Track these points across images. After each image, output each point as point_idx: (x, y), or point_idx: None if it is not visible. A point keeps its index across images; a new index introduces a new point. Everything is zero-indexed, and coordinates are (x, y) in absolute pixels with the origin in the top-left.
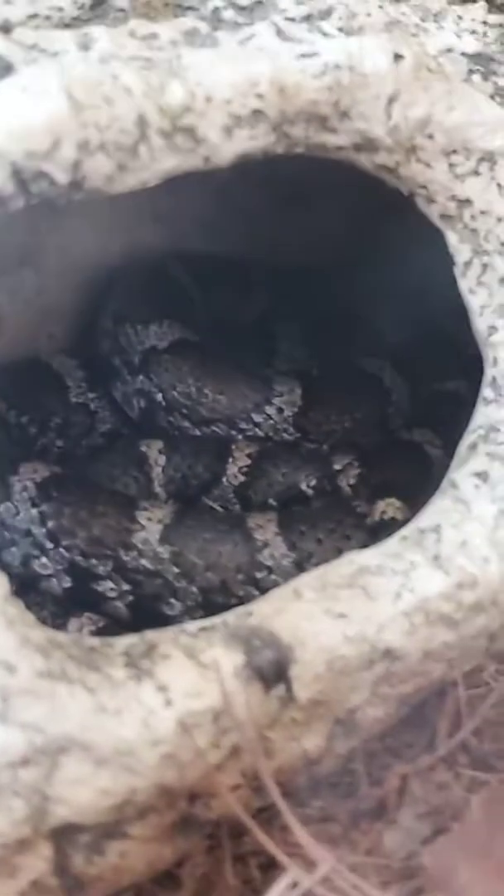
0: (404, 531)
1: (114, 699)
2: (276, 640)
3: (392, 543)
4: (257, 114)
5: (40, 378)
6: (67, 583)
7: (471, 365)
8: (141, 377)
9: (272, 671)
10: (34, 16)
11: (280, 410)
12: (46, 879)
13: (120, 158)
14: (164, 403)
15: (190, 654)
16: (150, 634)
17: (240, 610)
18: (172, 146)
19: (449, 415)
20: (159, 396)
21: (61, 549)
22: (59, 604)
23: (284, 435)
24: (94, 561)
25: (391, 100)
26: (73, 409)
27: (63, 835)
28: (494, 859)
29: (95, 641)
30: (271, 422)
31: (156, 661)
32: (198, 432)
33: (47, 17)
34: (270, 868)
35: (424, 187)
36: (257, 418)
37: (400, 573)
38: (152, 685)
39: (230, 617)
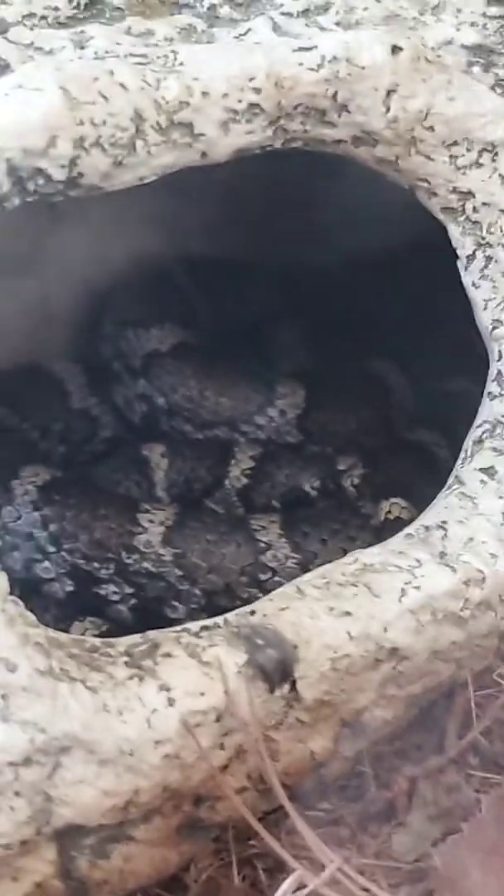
0: (409, 528)
1: (116, 698)
2: (280, 638)
3: (397, 541)
4: (254, 108)
5: (42, 383)
6: (70, 586)
7: (476, 363)
8: (142, 381)
9: (276, 670)
10: (30, 15)
11: (283, 412)
12: (51, 883)
13: (116, 154)
14: (165, 407)
15: (192, 653)
16: (153, 634)
17: (242, 609)
18: (169, 141)
19: (454, 414)
20: (161, 400)
21: (63, 553)
22: (62, 608)
23: (287, 437)
24: (96, 564)
25: (389, 92)
26: (75, 415)
27: (67, 837)
28: None
29: (97, 641)
30: (274, 424)
31: (158, 660)
32: (200, 436)
33: (43, 17)
34: (277, 871)
35: (425, 180)
36: (260, 421)
37: (405, 570)
38: (154, 684)
39: (232, 616)
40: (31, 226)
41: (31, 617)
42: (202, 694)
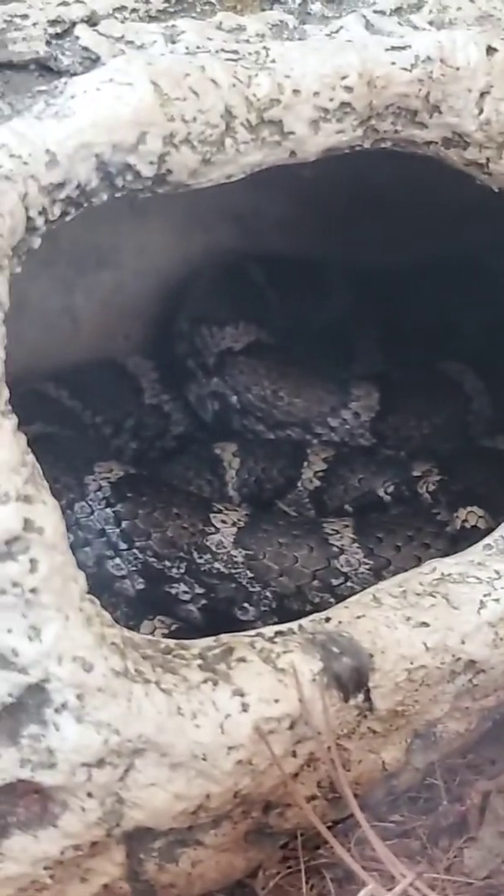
0: (488, 539)
1: (190, 702)
2: (356, 647)
3: (475, 551)
4: (345, 107)
5: (116, 379)
6: (140, 584)
7: None
8: (215, 379)
9: (351, 679)
10: (121, 8)
11: (357, 415)
12: (118, 885)
13: (205, 151)
14: (238, 406)
15: (266, 658)
16: (226, 637)
17: (317, 615)
18: (258, 139)
19: None
20: (234, 399)
21: (135, 550)
22: (132, 605)
23: (361, 440)
24: (167, 563)
25: (483, 93)
26: (148, 411)
27: (136, 839)
28: None
29: (171, 643)
30: (347, 426)
31: (232, 664)
32: (272, 436)
33: (134, 10)
34: (346, 882)
35: None
36: (333, 423)
37: (484, 582)
38: (228, 689)
39: (307, 622)
40: (109, 220)
41: (108, 617)
42: (276, 701)
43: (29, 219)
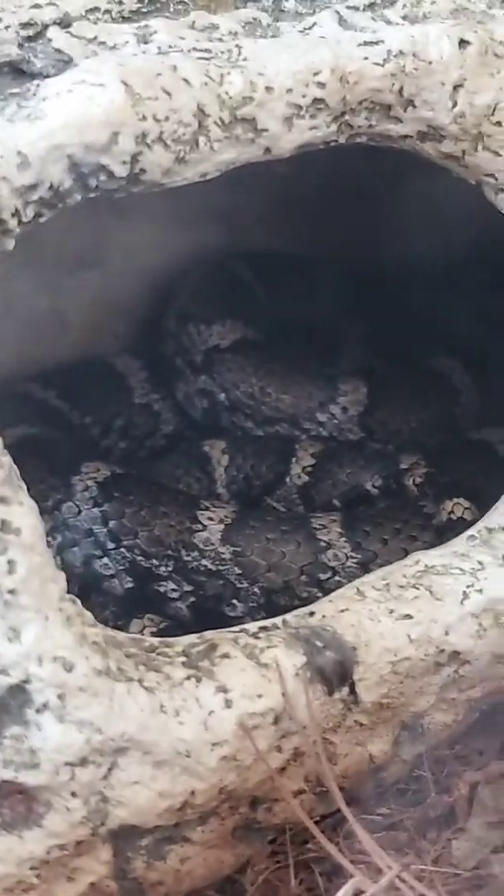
0: (472, 530)
1: (173, 699)
2: (339, 640)
3: (459, 543)
4: (318, 103)
5: (104, 378)
6: (129, 583)
7: None
8: (203, 377)
9: (335, 673)
10: (94, 9)
11: (345, 410)
12: (106, 883)
13: (179, 150)
14: (226, 403)
15: (250, 654)
16: (210, 634)
17: (301, 610)
18: (232, 137)
19: None
20: (222, 396)
21: (123, 549)
22: (121, 604)
23: (349, 435)
24: (155, 561)
25: (456, 87)
26: (137, 410)
27: (122, 838)
28: None
29: (154, 641)
30: (336, 421)
31: (215, 661)
32: (261, 432)
33: (107, 11)
34: (335, 875)
35: (492, 176)
36: (321, 418)
37: (467, 573)
38: (212, 686)
39: (291, 617)
40: (93, 221)
41: (89, 616)
42: (260, 696)
43: (1, 220)
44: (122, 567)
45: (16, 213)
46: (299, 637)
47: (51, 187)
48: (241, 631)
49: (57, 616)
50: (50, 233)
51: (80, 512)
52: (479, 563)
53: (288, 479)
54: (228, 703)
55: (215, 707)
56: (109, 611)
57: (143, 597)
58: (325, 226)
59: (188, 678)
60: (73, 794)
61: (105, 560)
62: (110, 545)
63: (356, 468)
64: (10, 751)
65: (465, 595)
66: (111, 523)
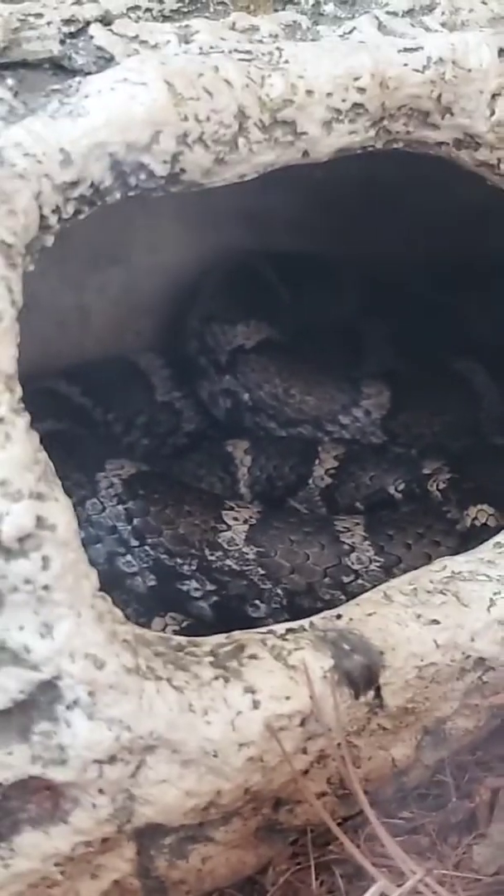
0: (499, 537)
1: (201, 699)
2: (366, 644)
3: (486, 549)
4: (358, 107)
5: (127, 376)
6: (152, 581)
7: None
8: (227, 377)
9: (362, 676)
10: (135, 7)
11: (368, 413)
12: (129, 881)
13: (219, 151)
14: (250, 403)
15: (278, 655)
16: (238, 635)
17: (328, 612)
18: (271, 139)
19: None
20: (245, 396)
21: (146, 547)
22: (143, 602)
23: (372, 438)
24: (179, 560)
25: (495, 95)
26: (159, 408)
27: (147, 836)
28: None
29: (183, 640)
30: (359, 424)
31: (243, 661)
32: (284, 433)
33: (147, 10)
34: (355, 878)
35: None
36: (344, 420)
37: (494, 580)
38: (240, 686)
39: (318, 619)
40: (121, 218)
41: (120, 614)
42: (287, 698)
43: (42, 217)
44: (145, 565)
45: (56, 210)
46: (327, 640)
47: (91, 185)
48: (268, 632)
49: (89, 613)
50: (76, 230)
51: (104, 509)
52: None
53: (311, 481)
54: (256, 704)
55: (243, 708)
56: (132, 608)
57: (165, 595)
58: (353, 228)
59: (216, 678)
60: (101, 792)
61: (128, 557)
62: (134, 542)
63: (379, 471)
64: (39, 747)
65: (492, 602)
66: (135, 521)
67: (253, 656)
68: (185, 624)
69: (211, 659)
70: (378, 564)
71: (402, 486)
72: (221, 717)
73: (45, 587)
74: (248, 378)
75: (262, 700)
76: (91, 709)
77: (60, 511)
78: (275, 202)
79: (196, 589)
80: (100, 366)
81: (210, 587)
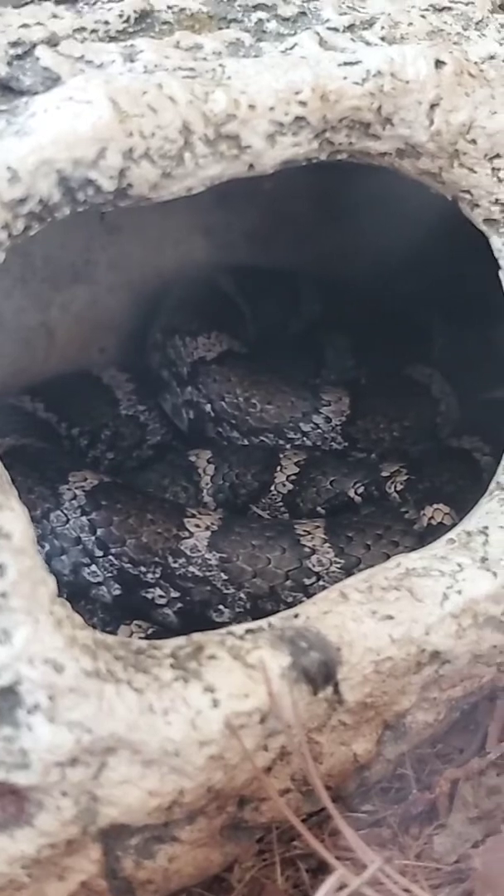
0: (451, 534)
1: (161, 700)
2: (323, 641)
3: (439, 546)
4: (300, 120)
5: (91, 391)
6: (117, 590)
7: None
8: (189, 388)
9: (320, 672)
10: (81, 29)
11: (328, 419)
12: (96, 882)
13: (165, 166)
14: (212, 414)
15: (236, 655)
16: (197, 636)
17: (286, 612)
18: (216, 153)
19: (497, 421)
20: (208, 407)
21: (110, 557)
22: (109, 611)
23: (333, 444)
24: (142, 568)
25: (433, 105)
26: (124, 422)
27: (112, 837)
28: None
29: (143, 643)
30: (319, 431)
31: (202, 662)
32: (246, 442)
33: (93, 31)
34: (321, 872)
35: (468, 192)
36: (305, 428)
37: (447, 575)
38: (199, 686)
39: (276, 619)
40: (83, 236)
41: (79, 619)
42: (246, 696)
43: None
44: (109, 574)
45: (6, 227)
46: (284, 638)
47: (40, 201)
48: (228, 633)
49: (47, 619)
50: (39, 249)
51: (68, 520)
52: (459, 565)
53: (273, 488)
54: (216, 703)
55: (203, 707)
56: (98, 618)
57: (130, 603)
58: (310, 240)
59: (176, 679)
60: (64, 794)
61: (93, 567)
62: (98, 553)
63: (339, 476)
64: (2, 752)
65: (445, 596)
66: (99, 531)
67: (212, 657)
68: (150, 631)
69: (171, 661)
70: (339, 566)
71: (361, 489)
72: (181, 716)
73: (2, 594)
74: (210, 389)
75: (222, 699)
76: (52, 713)
77: (16, 519)
78: (233, 216)
79: (161, 596)
80: (64, 381)
81: (174, 594)
